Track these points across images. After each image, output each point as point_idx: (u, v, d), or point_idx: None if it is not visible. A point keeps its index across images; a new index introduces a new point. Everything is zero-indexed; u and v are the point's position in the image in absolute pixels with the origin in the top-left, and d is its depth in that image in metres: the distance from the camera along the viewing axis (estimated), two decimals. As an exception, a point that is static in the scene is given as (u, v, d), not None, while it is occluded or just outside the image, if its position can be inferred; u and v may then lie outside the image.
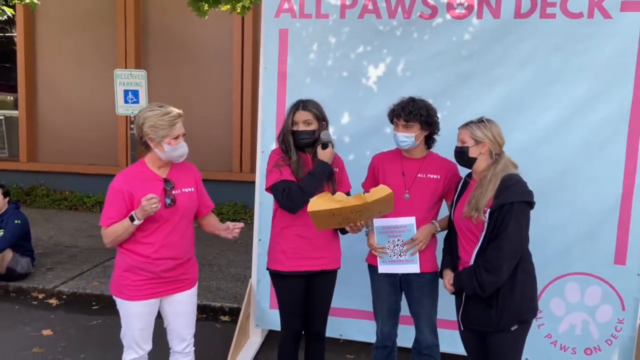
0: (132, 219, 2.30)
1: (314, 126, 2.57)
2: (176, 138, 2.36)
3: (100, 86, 7.83)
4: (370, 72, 3.38)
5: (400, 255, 2.63)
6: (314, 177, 2.51)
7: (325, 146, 2.54)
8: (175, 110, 2.38)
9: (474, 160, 2.39)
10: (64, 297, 4.47)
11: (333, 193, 2.45)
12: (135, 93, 5.27)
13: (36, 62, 8.04)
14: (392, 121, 2.69)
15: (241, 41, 7.28)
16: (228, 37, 7.34)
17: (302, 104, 2.60)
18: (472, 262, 2.34)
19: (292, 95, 3.42)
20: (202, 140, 7.16)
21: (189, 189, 2.50)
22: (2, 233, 4.50)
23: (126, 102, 5.31)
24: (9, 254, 4.53)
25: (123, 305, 2.47)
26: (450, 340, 3.11)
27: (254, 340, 3.65)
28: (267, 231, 3.53)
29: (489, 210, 2.27)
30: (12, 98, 8.37)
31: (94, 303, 4.40)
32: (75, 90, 7.95)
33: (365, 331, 3.48)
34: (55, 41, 7.92)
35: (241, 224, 2.53)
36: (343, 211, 2.35)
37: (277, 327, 3.58)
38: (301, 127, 2.57)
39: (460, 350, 3.34)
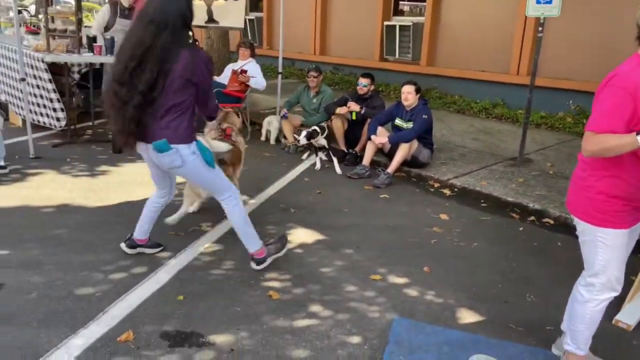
0: None
1: None
2: None
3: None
4: None
5: None
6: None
7: None
8: None
9: None
10: (456, 189, 4.89)
11: None
12: (550, -8, 4.86)
13: (444, -31, 8.47)
14: None
15: None
16: None
17: None
18: None
19: None
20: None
21: None
22: (412, 125, 5.17)
23: (538, 2, 4.96)
24: (414, 144, 5.19)
25: (603, 234, 2.13)
26: None
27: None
28: None
29: None
30: (420, 6, 9.19)
31: (482, 200, 4.65)
32: (477, -3, 8.08)
33: None
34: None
35: None
36: None
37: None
38: None
39: None
